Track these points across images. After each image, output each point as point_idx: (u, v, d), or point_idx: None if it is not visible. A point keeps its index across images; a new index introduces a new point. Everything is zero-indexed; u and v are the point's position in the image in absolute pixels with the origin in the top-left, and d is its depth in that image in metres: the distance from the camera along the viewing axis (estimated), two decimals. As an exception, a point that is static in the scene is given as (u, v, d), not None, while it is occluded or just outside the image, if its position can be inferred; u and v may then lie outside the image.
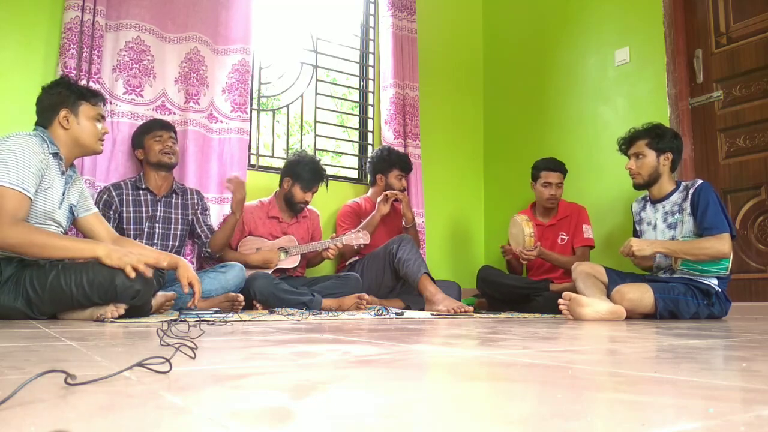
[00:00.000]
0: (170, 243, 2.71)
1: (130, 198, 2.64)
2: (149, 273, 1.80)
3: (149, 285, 1.84)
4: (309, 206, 3.15)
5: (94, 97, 2.02)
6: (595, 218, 3.41)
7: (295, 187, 2.99)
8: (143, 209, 2.66)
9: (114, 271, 1.75)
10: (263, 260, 2.84)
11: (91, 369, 0.74)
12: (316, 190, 3.04)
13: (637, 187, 2.64)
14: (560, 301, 2.29)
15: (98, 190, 2.69)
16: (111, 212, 2.59)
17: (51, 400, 0.53)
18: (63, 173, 1.95)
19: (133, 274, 1.74)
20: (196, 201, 2.85)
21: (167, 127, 2.75)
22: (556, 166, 3.23)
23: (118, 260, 1.75)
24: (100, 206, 2.57)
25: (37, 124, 1.97)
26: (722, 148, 3.07)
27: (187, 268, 1.99)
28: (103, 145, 2.07)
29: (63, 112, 1.94)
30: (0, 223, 1.69)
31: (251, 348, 1.06)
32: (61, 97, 1.95)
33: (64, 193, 1.96)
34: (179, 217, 2.76)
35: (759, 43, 2.94)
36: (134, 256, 1.79)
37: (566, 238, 3.20)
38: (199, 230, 2.84)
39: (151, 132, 2.70)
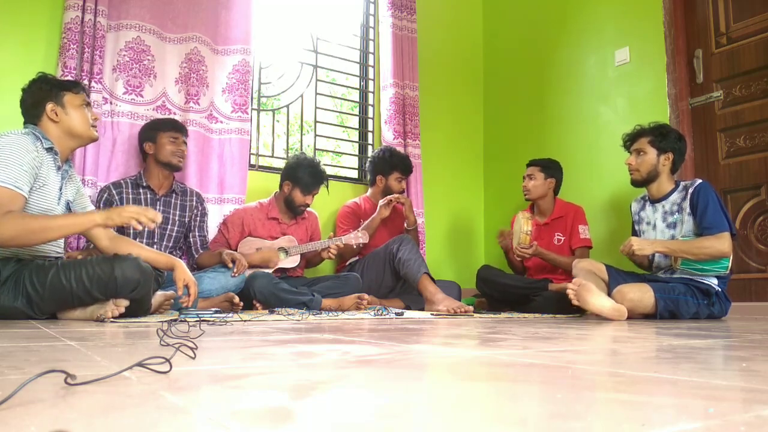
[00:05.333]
0: (164, 243, 2.70)
1: (131, 196, 2.64)
2: (157, 220, 1.81)
3: (148, 277, 1.84)
4: (308, 208, 3.15)
5: (75, 86, 2.02)
6: (595, 218, 3.40)
7: (295, 191, 2.98)
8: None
9: (113, 264, 1.75)
10: (263, 260, 2.84)
11: (91, 369, 0.74)
12: (317, 192, 3.04)
13: (635, 183, 2.65)
14: (570, 285, 2.30)
15: (98, 189, 2.68)
16: None
17: (51, 400, 0.53)
18: (59, 168, 1.95)
19: (139, 227, 1.77)
20: (195, 203, 2.83)
21: (183, 130, 2.75)
22: (530, 161, 3.29)
23: (118, 217, 1.77)
24: (101, 205, 2.58)
25: (25, 123, 1.97)
26: (722, 148, 3.07)
27: (183, 269, 1.99)
28: (97, 131, 2.06)
29: (49, 106, 1.93)
30: None
31: (251, 348, 1.06)
32: (43, 93, 1.94)
33: (60, 189, 1.95)
34: (176, 218, 2.75)
35: (759, 43, 2.94)
36: (129, 209, 1.79)
37: (562, 238, 3.18)
38: (191, 238, 2.82)
39: (167, 130, 2.68)
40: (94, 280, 1.73)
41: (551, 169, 3.22)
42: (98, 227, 1.77)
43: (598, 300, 2.24)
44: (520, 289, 3.09)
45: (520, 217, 3.01)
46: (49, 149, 1.90)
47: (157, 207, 2.69)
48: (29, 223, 1.72)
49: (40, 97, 1.94)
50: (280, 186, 3.06)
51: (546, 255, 3.06)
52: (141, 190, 2.67)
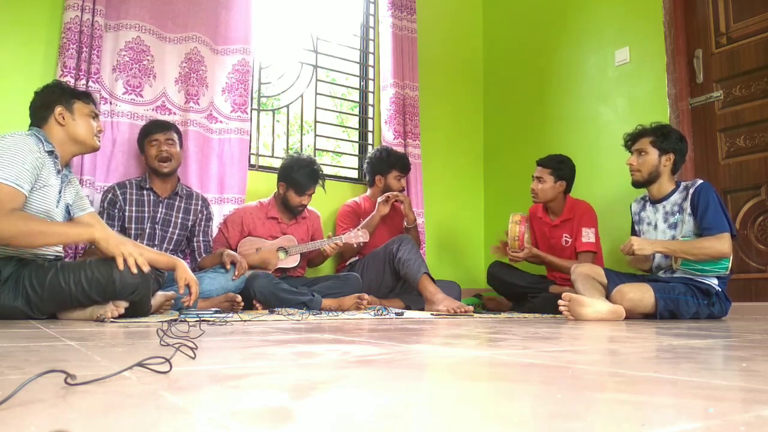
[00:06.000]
0: (164, 245, 2.69)
1: (134, 197, 2.64)
2: (144, 269, 1.79)
3: (147, 280, 1.84)
4: (309, 207, 3.14)
5: (86, 96, 2.06)
6: (595, 218, 3.40)
7: (290, 191, 2.97)
8: (146, 209, 2.66)
9: (112, 267, 1.75)
10: (262, 261, 2.83)
11: (91, 369, 0.74)
12: (313, 192, 3.03)
13: (636, 184, 2.63)
14: (560, 301, 2.28)
15: (103, 190, 2.69)
16: (116, 210, 2.60)
17: (51, 400, 0.53)
18: (59, 172, 1.96)
19: (122, 267, 1.74)
20: (200, 208, 2.80)
21: (164, 127, 2.67)
22: (540, 160, 3.14)
23: (115, 247, 1.76)
24: (105, 205, 2.60)
25: (31, 125, 1.98)
26: (722, 148, 3.07)
27: (184, 269, 2.00)
28: (100, 141, 2.09)
29: (58, 109, 1.95)
30: None
31: (251, 348, 1.06)
32: (55, 96, 1.98)
33: (60, 192, 1.96)
34: (178, 221, 2.74)
35: (759, 43, 2.94)
36: (129, 244, 1.80)
37: (570, 240, 3.10)
38: (195, 243, 2.80)
39: (147, 136, 2.66)
40: (93, 283, 1.74)
41: (562, 170, 3.07)
42: (94, 241, 1.77)
43: (592, 309, 2.22)
44: (523, 288, 3.09)
45: (510, 221, 2.98)
46: (50, 152, 1.91)
47: (160, 209, 2.69)
48: (30, 225, 1.73)
49: (51, 99, 1.97)
50: (277, 186, 3.06)
51: (544, 258, 3.03)
52: (144, 192, 2.68)
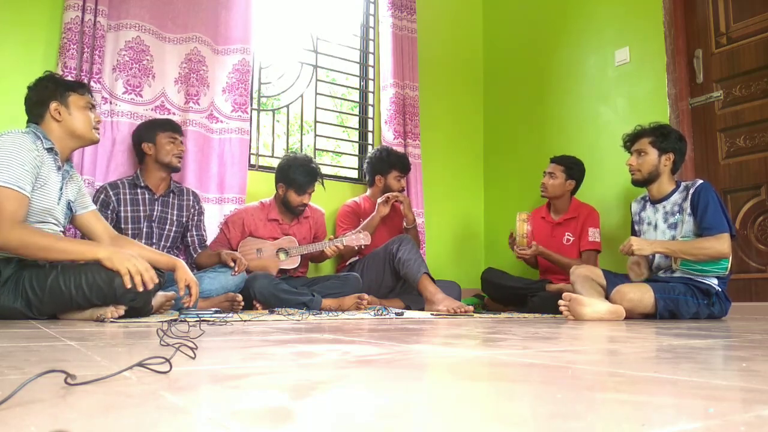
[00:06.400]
0: (162, 243, 2.69)
1: (128, 197, 2.63)
2: (149, 285, 1.78)
3: (147, 289, 1.83)
4: (312, 205, 3.14)
5: (81, 87, 2.02)
6: (595, 218, 3.40)
7: (289, 192, 2.96)
8: (141, 208, 2.65)
9: (113, 273, 1.74)
10: (262, 268, 2.83)
11: (91, 369, 0.74)
12: (313, 190, 3.02)
13: (635, 183, 2.65)
14: (560, 301, 2.29)
15: (96, 190, 2.68)
16: (108, 212, 2.56)
17: (51, 400, 0.53)
18: (59, 168, 1.94)
19: (129, 285, 1.73)
20: (192, 203, 2.82)
21: (180, 130, 2.77)
22: (554, 157, 3.26)
23: (119, 264, 1.74)
24: (98, 206, 2.56)
25: (28, 122, 1.97)
26: (722, 148, 3.07)
27: (185, 270, 1.99)
28: (99, 133, 2.06)
29: (53, 105, 1.93)
30: (0, 225, 1.68)
31: (251, 348, 1.06)
32: (48, 91, 1.95)
33: (61, 189, 1.95)
34: (174, 218, 2.74)
35: (759, 43, 2.94)
36: (134, 260, 1.77)
37: (572, 238, 3.16)
38: (189, 237, 2.81)
39: (166, 131, 2.68)
40: (93, 288, 1.73)
41: (574, 170, 3.19)
42: (98, 261, 1.76)
43: (592, 309, 2.23)
44: (520, 289, 3.10)
45: (517, 219, 3.02)
46: (50, 149, 1.90)
47: (155, 207, 2.69)
48: (36, 239, 1.72)
49: (44, 95, 1.94)
50: (276, 188, 3.05)
51: (549, 255, 3.06)
52: (139, 191, 2.67)
